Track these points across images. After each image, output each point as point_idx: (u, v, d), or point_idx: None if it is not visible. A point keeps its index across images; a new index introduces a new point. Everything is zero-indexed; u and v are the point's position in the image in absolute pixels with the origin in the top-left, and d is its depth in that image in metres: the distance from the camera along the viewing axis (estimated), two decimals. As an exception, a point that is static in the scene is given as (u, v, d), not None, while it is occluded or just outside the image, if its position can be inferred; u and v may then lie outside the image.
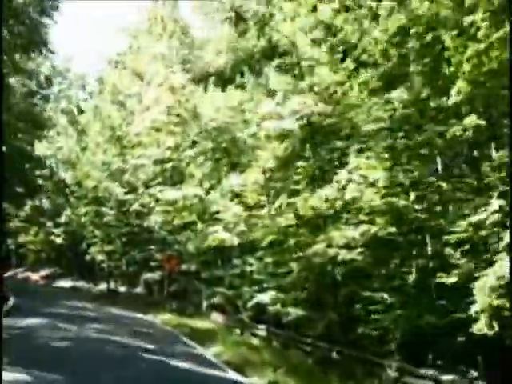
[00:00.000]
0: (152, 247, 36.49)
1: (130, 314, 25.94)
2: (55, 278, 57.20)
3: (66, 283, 53.57)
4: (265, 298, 16.98)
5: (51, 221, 53.89)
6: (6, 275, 63.30)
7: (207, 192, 22.80)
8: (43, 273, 60.01)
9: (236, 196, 20.28)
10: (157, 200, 26.89)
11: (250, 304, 18.74)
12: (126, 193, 37.33)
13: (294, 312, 15.55)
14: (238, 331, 20.24)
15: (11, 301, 22.00)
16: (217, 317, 23.61)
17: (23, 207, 43.69)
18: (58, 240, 52.99)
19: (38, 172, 33.39)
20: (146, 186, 31.65)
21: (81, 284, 52.02)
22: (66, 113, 35.83)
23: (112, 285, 46.41)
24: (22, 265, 65.88)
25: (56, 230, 52.96)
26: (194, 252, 27.96)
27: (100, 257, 45.77)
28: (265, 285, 18.10)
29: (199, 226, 24.87)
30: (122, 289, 45.42)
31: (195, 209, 23.84)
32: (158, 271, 35.79)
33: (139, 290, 43.12)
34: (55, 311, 20.52)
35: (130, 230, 39.52)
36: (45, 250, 60.27)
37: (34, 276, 59.93)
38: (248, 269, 20.42)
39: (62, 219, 51.54)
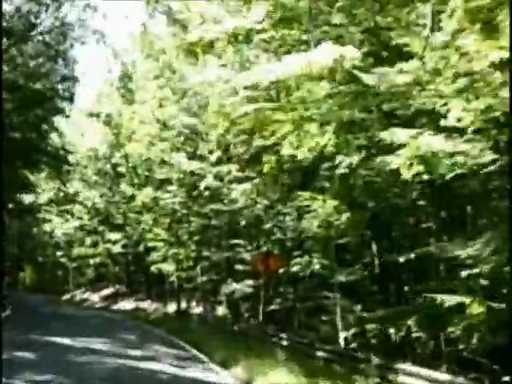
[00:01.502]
0: (238, 242, 22.71)
1: (190, 369, 11.86)
2: (118, 298, 44.99)
3: (128, 304, 41.33)
4: None
5: (105, 225, 41.53)
6: (63, 298, 52.26)
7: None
8: (104, 293, 48.13)
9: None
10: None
11: None
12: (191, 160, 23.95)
13: None
14: None
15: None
16: (405, 374, 9.17)
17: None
18: (115, 248, 40.37)
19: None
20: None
21: (146, 304, 39.32)
22: (96, 35, 23.45)
23: (184, 304, 33.01)
24: (80, 284, 54.62)
25: (112, 236, 40.38)
26: (319, 232, 13.93)
27: (166, 266, 32.39)
28: None
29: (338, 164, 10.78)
30: (197, 309, 31.93)
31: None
32: (249, 280, 21.96)
33: (220, 310, 29.48)
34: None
35: (203, 223, 25.99)
36: (105, 263, 48.14)
37: (94, 297, 48.14)
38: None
39: (118, 219, 38.98)
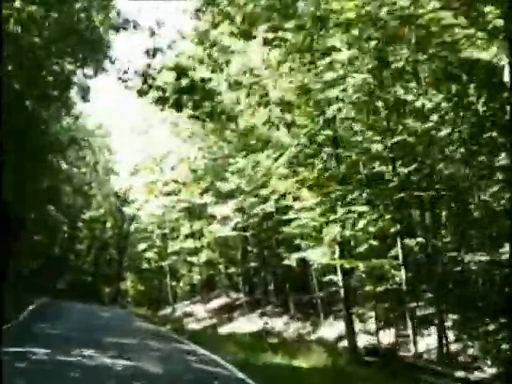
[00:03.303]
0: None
1: None
2: (234, 311, 29.12)
3: (249, 322, 25.55)
4: None
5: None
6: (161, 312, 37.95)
7: None
8: (214, 304, 32.70)
9: None
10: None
11: None
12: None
13: None
14: None
15: None
16: None
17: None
18: (225, 230, 24.67)
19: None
20: None
21: (280, 323, 23.34)
22: None
23: (360, 325, 15.88)
24: (187, 294, 40.05)
25: (218, 210, 24.71)
26: None
27: (314, 253, 15.86)
28: None
29: None
30: (386, 335, 14.93)
31: None
32: None
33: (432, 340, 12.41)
34: None
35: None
36: (214, 261, 32.68)
37: (200, 310, 32.77)
38: None
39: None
